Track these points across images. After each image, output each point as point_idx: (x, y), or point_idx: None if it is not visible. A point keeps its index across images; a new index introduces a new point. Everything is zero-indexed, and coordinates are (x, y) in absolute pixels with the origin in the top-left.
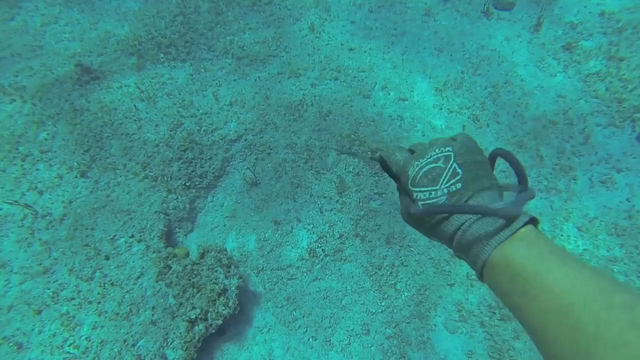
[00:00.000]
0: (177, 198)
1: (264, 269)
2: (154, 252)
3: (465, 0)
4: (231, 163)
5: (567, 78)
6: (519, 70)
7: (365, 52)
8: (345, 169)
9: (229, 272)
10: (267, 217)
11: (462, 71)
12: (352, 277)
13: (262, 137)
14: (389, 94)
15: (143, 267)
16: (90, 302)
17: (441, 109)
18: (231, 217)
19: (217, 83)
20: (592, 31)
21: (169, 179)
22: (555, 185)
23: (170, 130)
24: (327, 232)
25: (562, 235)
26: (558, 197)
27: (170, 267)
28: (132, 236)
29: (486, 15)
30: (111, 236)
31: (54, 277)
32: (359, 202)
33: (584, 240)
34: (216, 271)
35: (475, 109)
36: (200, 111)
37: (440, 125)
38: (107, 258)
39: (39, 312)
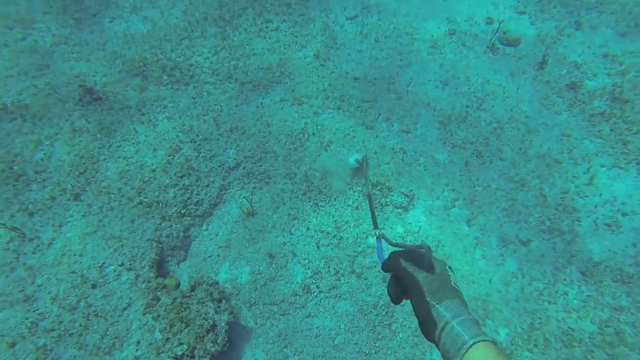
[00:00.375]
0: (171, 226)
1: (257, 303)
2: (143, 282)
3: (471, 35)
4: (228, 191)
5: (571, 116)
6: (523, 107)
7: (369, 81)
8: (345, 202)
9: (219, 307)
10: (262, 249)
11: (466, 105)
12: (346, 315)
13: (262, 165)
14: (392, 125)
15: (131, 298)
16: (70, 335)
17: (444, 142)
18: (225, 247)
19: (218, 108)
20: (596, 71)
21: (164, 205)
22: (559, 227)
23: (168, 155)
24: (323, 268)
25: (565, 280)
26: (561, 238)
27: (159, 299)
28: (122, 264)
29: (492, 50)
30: (100, 263)
31: (35, 305)
32: (357, 238)
33: (587, 286)
34: (206, 305)
35: (479, 145)
36: (200, 137)
37: (443, 159)
38: (93, 286)
39: (13, 345)
